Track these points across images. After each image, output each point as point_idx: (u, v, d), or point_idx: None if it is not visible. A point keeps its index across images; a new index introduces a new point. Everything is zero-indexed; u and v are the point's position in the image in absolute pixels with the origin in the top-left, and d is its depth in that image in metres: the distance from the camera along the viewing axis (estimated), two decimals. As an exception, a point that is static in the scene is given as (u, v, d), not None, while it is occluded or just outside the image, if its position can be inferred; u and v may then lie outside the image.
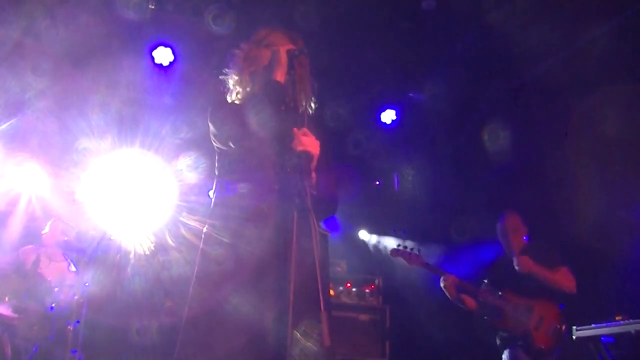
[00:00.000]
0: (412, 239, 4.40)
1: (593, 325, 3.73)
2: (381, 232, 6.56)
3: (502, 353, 3.84)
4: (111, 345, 4.46)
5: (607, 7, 4.32)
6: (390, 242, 6.41)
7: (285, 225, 1.97)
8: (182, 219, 4.62)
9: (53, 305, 4.17)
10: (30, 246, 4.53)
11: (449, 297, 3.94)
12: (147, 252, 4.68)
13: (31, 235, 4.65)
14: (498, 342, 3.90)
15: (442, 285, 3.93)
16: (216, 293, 2.00)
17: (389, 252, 4.35)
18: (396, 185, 6.61)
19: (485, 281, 3.99)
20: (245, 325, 1.92)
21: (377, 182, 6.73)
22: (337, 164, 2.40)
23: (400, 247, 4.21)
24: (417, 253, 4.15)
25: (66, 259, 4.57)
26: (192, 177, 4.76)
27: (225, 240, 2.08)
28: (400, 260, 4.25)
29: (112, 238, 4.36)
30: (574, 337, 3.78)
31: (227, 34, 4.41)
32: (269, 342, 1.87)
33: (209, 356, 1.95)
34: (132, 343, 4.51)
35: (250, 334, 1.91)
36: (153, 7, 4.57)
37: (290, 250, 1.90)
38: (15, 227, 4.51)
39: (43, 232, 4.56)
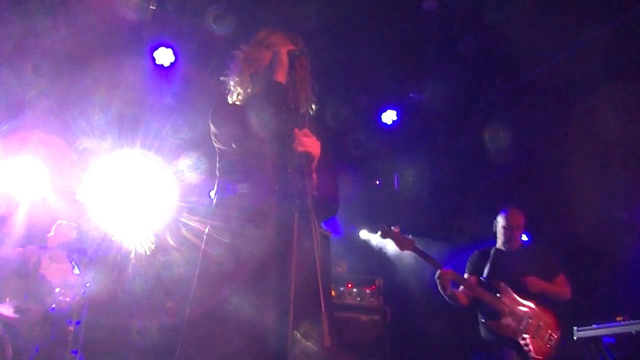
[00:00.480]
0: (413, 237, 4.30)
1: (594, 326, 3.71)
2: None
3: (491, 352, 3.74)
4: (112, 345, 4.45)
5: (608, 7, 4.31)
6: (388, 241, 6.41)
7: (286, 226, 1.96)
8: (182, 219, 4.61)
9: (54, 306, 4.16)
10: (33, 246, 4.53)
11: (441, 290, 3.76)
12: (148, 253, 4.67)
13: (34, 235, 4.64)
14: (488, 340, 3.76)
15: (437, 277, 3.72)
16: (217, 294, 2.00)
17: (379, 233, 3.89)
18: (396, 184, 6.59)
19: (482, 278, 3.87)
20: (246, 326, 1.92)
21: (377, 182, 6.71)
22: (338, 164, 2.40)
23: (393, 228, 3.82)
24: (410, 237, 3.82)
25: (70, 262, 4.56)
26: (193, 177, 4.75)
27: (225, 240, 2.08)
28: (401, 259, 4.17)
29: (112, 239, 4.35)
30: (575, 338, 3.76)
31: (228, 35, 4.41)
32: (269, 343, 1.87)
33: (210, 357, 1.94)
34: (133, 343, 4.51)
35: (251, 334, 1.91)
36: (154, 7, 4.57)
37: (291, 251, 1.89)
38: (17, 227, 4.51)
39: (49, 234, 4.55)
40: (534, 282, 3.69)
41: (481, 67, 5.28)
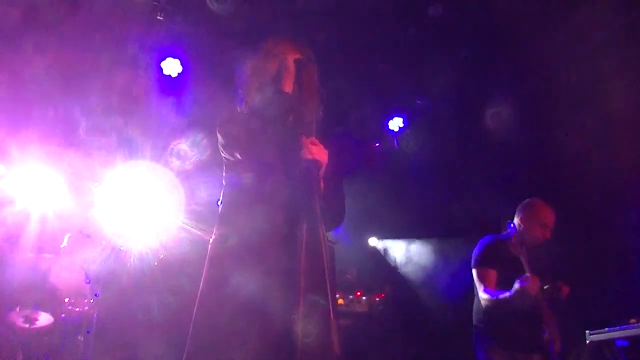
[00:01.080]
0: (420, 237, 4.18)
1: (607, 329, 3.70)
2: (390, 237, 6.59)
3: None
4: (121, 355, 4.49)
5: (615, 7, 4.31)
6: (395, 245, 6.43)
7: (294, 234, 2.00)
8: (190, 227, 4.65)
9: (63, 315, 4.21)
10: (45, 255, 4.59)
11: (523, 301, 3.31)
12: (157, 263, 4.71)
13: (46, 244, 4.70)
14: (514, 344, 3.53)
15: (525, 284, 3.26)
16: (224, 277, 2.04)
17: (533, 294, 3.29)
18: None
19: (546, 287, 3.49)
20: (253, 311, 1.95)
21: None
22: (345, 172, 2.43)
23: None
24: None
25: (82, 271, 4.61)
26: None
27: (232, 226, 2.13)
28: (411, 266, 4.02)
29: (122, 248, 4.41)
30: (587, 342, 3.75)
31: (236, 45, 4.46)
32: (276, 327, 1.91)
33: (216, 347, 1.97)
34: (142, 353, 4.54)
35: (259, 320, 1.95)
36: (161, 18, 4.64)
37: (299, 245, 1.93)
38: (29, 235, 4.57)
39: (62, 245, 4.61)
40: (566, 291, 3.52)
41: (488, 71, 5.29)
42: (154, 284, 4.73)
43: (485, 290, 3.48)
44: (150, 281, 4.72)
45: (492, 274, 3.52)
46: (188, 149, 4.90)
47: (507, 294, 3.35)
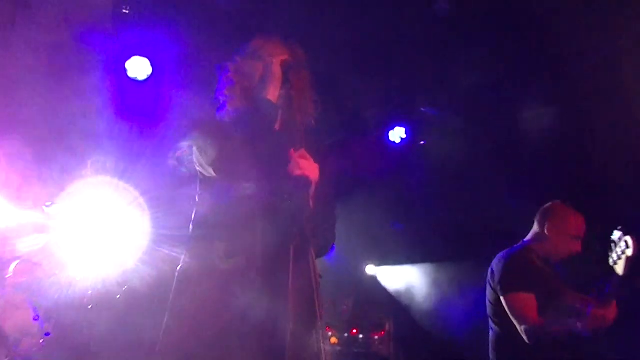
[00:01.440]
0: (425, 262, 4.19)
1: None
2: (391, 263, 6.58)
3: None
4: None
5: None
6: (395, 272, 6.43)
7: (281, 258, 2.01)
8: (160, 252, 4.60)
9: (8, 359, 4.12)
10: None
11: (592, 330, 3.09)
12: (119, 296, 4.65)
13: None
14: None
15: (604, 311, 3.05)
16: (204, 310, 2.04)
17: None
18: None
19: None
20: (246, 330, 1.97)
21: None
22: (338, 189, 2.41)
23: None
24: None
25: (30, 306, 4.54)
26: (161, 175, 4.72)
27: (206, 250, 2.12)
28: (415, 297, 3.99)
29: (78, 279, 4.33)
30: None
31: (218, 45, 4.42)
32: (269, 347, 1.94)
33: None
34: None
35: (251, 340, 1.97)
36: (127, 11, 4.61)
37: (287, 264, 1.96)
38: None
39: (7, 275, 4.54)
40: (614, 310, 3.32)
41: (507, 73, 5.30)
42: (116, 320, 4.66)
43: (533, 321, 3.23)
44: (112, 317, 4.64)
45: (532, 300, 3.27)
46: (160, 163, 4.87)
47: (575, 323, 3.08)
